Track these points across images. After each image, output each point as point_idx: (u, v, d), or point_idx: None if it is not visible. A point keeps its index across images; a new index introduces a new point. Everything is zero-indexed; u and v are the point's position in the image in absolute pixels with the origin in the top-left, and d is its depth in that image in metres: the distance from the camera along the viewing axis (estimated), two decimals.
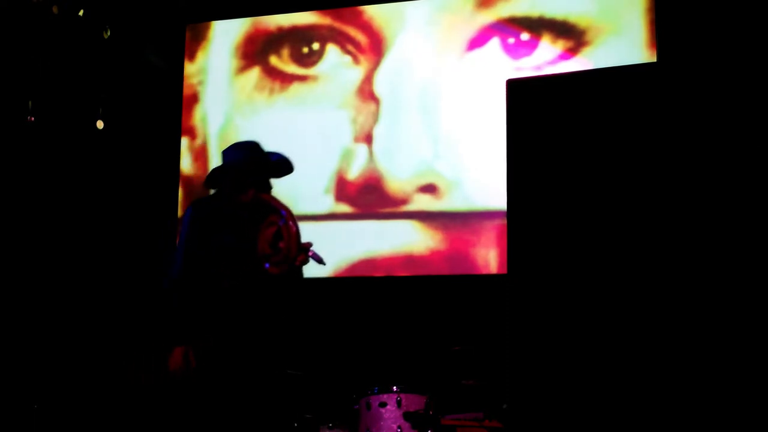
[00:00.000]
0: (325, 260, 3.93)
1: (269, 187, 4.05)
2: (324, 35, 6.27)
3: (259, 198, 3.92)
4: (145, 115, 6.50)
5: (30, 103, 5.78)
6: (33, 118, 5.79)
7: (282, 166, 4.08)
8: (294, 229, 3.81)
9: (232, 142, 4.30)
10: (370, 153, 6.04)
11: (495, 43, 5.87)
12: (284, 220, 3.83)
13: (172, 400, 4.53)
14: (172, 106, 6.53)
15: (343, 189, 6.07)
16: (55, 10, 5.72)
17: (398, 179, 5.96)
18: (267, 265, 3.82)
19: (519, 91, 3.07)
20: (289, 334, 4.10)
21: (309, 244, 3.88)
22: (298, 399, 4.72)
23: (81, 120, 6.24)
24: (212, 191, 4.11)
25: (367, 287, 5.92)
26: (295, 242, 3.81)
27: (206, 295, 3.83)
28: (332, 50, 6.23)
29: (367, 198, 6.01)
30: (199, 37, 6.58)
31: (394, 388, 4.46)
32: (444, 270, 5.81)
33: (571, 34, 5.73)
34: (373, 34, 6.16)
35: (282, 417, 4.08)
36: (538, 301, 2.91)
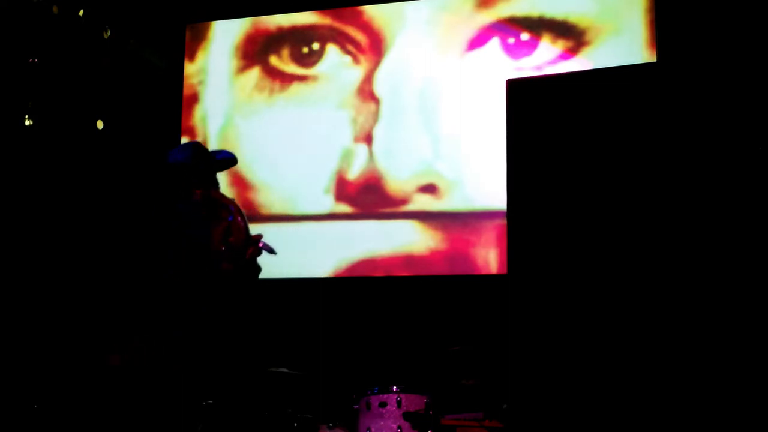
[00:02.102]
0: (275, 249, 3.94)
1: (216, 184, 4.11)
2: (324, 35, 6.27)
3: (208, 195, 3.97)
4: (145, 115, 6.49)
5: (30, 103, 5.78)
6: (31, 121, 5.78)
7: (226, 160, 4.18)
8: (242, 223, 3.85)
9: (235, 142, 4.36)
10: (370, 153, 6.04)
11: (495, 43, 5.86)
12: (233, 215, 3.86)
13: (163, 395, 4.55)
14: (172, 106, 6.52)
15: (343, 189, 6.07)
16: (55, 10, 5.72)
17: (398, 179, 5.96)
18: (222, 264, 3.85)
19: (519, 91, 3.08)
20: (290, 335, 4.12)
21: (258, 236, 3.91)
22: (298, 399, 4.72)
23: (81, 120, 6.24)
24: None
25: (367, 287, 5.91)
26: (243, 235, 3.84)
27: (154, 296, 3.93)
28: (332, 50, 6.23)
29: (367, 198, 6.01)
30: (199, 37, 6.58)
31: (394, 388, 4.46)
32: (444, 270, 5.81)
33: (571, 34, 5.72)
34: (373, 34, 6.15)
35: (278, 416, 4.10)
36: (538, 301, 2.91)
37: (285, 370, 4.52)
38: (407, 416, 4.34)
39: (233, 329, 3.93)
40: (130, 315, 5.92)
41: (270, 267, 4.21)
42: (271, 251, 3.94)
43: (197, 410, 3.84)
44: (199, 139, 6.44)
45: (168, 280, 4.05)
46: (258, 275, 4.04)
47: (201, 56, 6.56)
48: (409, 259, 5.87)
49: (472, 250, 5.76)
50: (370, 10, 6.18)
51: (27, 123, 5.88)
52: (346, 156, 6.09)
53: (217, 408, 3.81)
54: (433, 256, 5.84)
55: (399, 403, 4.40)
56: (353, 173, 6.06)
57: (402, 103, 6.03)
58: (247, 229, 3.87)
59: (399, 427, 4.35)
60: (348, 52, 6.19)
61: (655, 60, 5.47)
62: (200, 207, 3.99)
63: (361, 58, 6.16)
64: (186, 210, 4.03)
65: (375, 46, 6.14)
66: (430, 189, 5.89)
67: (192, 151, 4.08)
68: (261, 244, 3.91)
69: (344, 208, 6.04)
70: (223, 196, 3.99)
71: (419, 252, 5.86)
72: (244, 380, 3.88)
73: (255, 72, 6.40)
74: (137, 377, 4.81)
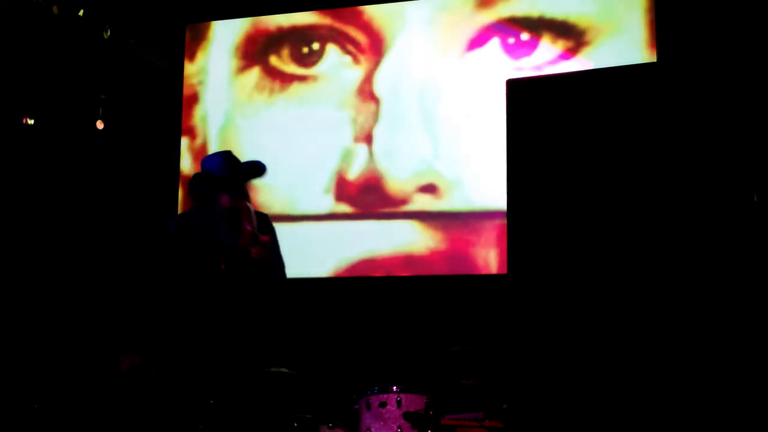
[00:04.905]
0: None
1: (246, 192, 4.22)
2: (324, 35, 6.27)
3: (234, 205, 4.08)
4: (145, 115, 6.50)
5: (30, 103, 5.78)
6: (31, 120, 5.79)
7: (252, 169, 4.28)
8: (248, 227, 3.97)
9: (235, 142, 4.42)
10: (370, 153, 6.04)
11: (495, 43, 5.86)
12: (243, 218, 4.01)
13: (164, 395, 4.54)
14: (172, 106, 6.52)
15: (343, 189, 6.07)
16: (55, 10, 5.72)
17: (398, 179, 5.96)
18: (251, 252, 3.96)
19: (519, 91, 3.08)
20: (288, 334, 4.13)
21: (265, 239, 4.03)
22: (298, 399, 4.72)
23: (81, 120, 6.24)
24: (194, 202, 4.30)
25: (367, 287, 5.91)
26: (249, 237, 3.95)
27: (205, 293, 3.93)
28: (332, 50, 6.23)
29: (367, 198, 6.01)
30: (199, 37, 6.58)
31: (394, 388, 4.46)
32: (444, 270, 5.81)
33: (571, 34, 5.72)
34: (373, 34, 6.15)
35: (278, 416, 4.11)
36: (538, 301, 2.91)
37: (285, 370, 4.52)
38: (407, 416, 4.33)
39: (237, 329, 3.93)
40: (134, 317, 5.93)
41: None
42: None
43: (198, 410, 3.83)
44: (199, 139, 6.44)
45: (185, 285, 4.06)
46: (270, 275, 4.10)
47: (201, 56, 6.56)
48: (409, 259, 5.87)
49: (472, 250, 5.76)
50: (370, 10, 6.18)
51: (28, 123, 5.89)
52: (346, 156, 6.09)
53: (218, 408, 3.81)
54: (433, 256, 5.84)
55: (399, 403, 4.40)
56: (353, 173, 6.06)
57: (402, 103, 6.03)
58: (254, 232, 3.95)
59: (399, 427, 4.35)
60: (348, 52, 6.19)
61: (655, 60, 5.47)
62: (223, 216, 4.07)
63: (361, 58, 6.16)
64: (206, 218, 4.08)
65: (375, 46, 6.14)
66: (430, 189, 5.89)
67: (222, 160, 4.18)
68: (267, 247, 3.97)
69: (344, 208, 6.04)
70: (240, 202, 4.08)
71: (419, 252, 5.86)
72: (245, 380, 3.88)
73: (255, 72, 6.40)
74: (142, 379, 4.81)
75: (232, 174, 4.15)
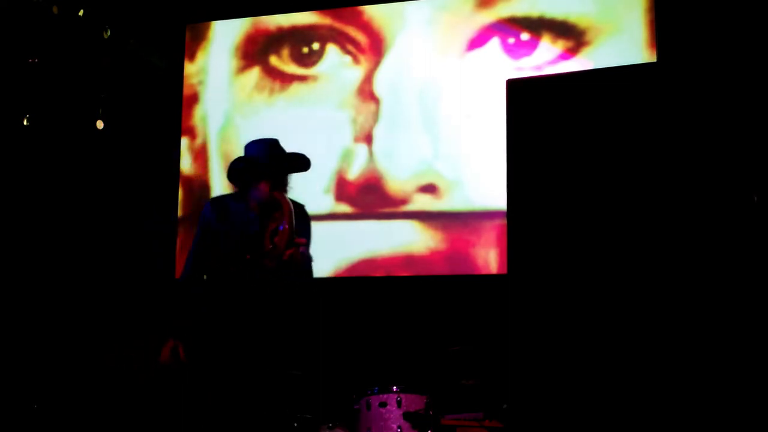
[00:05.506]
0: (312, 258, 3.97)
1: (286, 183, 4.13)
2: (324, 35, 6.27)
3: (272, 195, 3.99)
4: (145, 115, 6.50)
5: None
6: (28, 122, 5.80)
7: (299, 162, 4.17)
8: (288, 228, 3.83)
9: (235, 142, 4.37)
10: (370, 153, 6.04)
11: (495, 43, 5.87)
12: (284, 218, 3.88)
13: (164, 395, 4.53)
14: (172, 106, 6.53)
15: (343, 189, 6.07)
16: (55, 10, 5.72)
17: (398, 179, 5.96)
18: (265, 261, 3.89)
19: (519, 91, 3.07)
20: (290, 334, 4.11)
21: (302, 241, 3.91)
22: (298, 399, 4.72)
23: (81, 120, 6.24)
24: (232, 188, 4.21)
25: (367, 287, 5.91)
26: (286, 238, 3.83)
27: (207, 293, 3.91)
28: (332, 50, 6.23)
29: (367, 198, 6.01)
30: (199, 37, 6.58)
31: (394, 388, 4.46)
32: (444, 270, 5.81)
33: (571, 34, 5.73)
34: (373, 34, 6.15)
35: (278, 416, 4.09)
36: (538, 301, 2.91)
37: None
38: (407, 416, 4.34)
39: (253, 326, 3.92)
40: (134, 317, 5.93)
41: None
42: (308, 258, 3.98)
43: (205, 409, 3.84)
44: (199, 139, 6.45)
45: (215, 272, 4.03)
46: (303, 277, 4.06)
47: (201, 56, 6.56)
48: (409, 259, 5.87)
49: (472, 250, 5.76)
50: (370, 10, 6.18)
51: (26, 123, 5.89)
52: (346, 156, 6.09)
53: (218, 408, 3.81)
54: (433, 256, 5.84)
55: (399, 403, 4.40)
56: (353, 173, 6.06)
57: (402, 103, 6.03)
58: (291, 233, 3.87)
59: (399, 427, 4.35)
60: (348, 52, 6.19)
61: (655, 60, 5.47)
62: (259, 203, 4.01)
63: (361, 58, 6.16)
64: (241, 206, 4.04)
65: (375, 46, 6.14)
66: (430, 189, 5.89)
67: (267, 148, 4.09)
68: (302, 249, 3.92)
69: (344, 208, 6.04)
70: (283, 197, 3.99)
71: (419, 252, 5.86)
72: (246, 380, 3.88)
73: (255, 72, 6.40)
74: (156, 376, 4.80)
75: (276, 162, 4.06)
